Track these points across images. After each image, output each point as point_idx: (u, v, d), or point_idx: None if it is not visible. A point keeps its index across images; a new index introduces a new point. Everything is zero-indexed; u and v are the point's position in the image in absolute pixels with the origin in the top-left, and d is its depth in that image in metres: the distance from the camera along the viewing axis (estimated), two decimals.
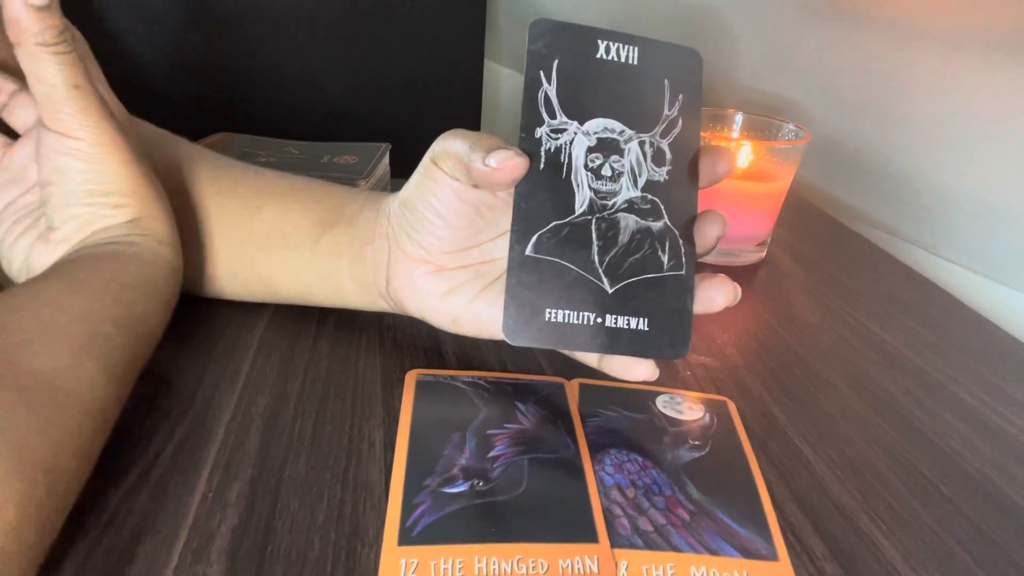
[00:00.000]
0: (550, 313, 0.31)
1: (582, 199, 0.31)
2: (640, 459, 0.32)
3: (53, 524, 0.24)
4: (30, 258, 0.34)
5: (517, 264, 0.30)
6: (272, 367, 0.37)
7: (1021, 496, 0.33)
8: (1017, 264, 0.57)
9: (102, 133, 0.33)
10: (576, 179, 0.31)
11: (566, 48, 0.32)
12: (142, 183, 0.35)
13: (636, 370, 0.33)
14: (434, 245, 0.33)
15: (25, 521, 0.22)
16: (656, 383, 0.35)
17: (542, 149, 0.31)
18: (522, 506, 0.29)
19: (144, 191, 0.35)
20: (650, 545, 0.28)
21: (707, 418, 0.36)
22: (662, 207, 0.32)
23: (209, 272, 0.41)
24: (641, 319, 0.31)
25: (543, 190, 0.31)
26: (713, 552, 0.28)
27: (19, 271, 0.35)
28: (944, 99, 0.62)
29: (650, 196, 0.32)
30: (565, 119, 0.31)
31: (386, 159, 0.64)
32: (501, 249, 0.33)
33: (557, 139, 0.31)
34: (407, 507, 0.28)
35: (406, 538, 0.27)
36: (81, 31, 0.35)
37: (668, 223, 0.32)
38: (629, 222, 0.32)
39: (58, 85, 0.31)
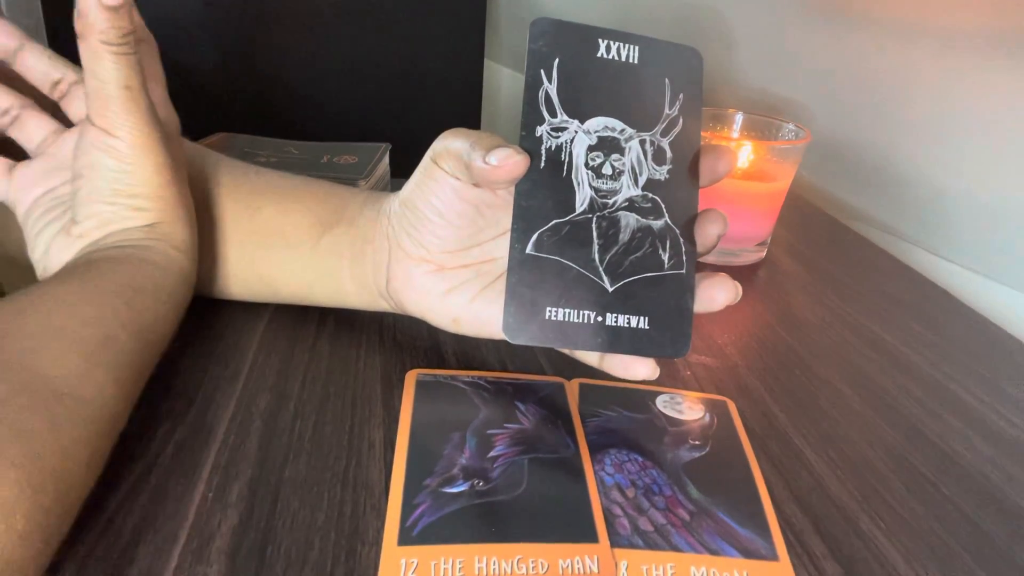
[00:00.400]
0: (550, 312, 0.31)
1: (583, 197, 0.31)
2: (640, 459, 0.32)
3: (59, 531, 0.24)
4: (50, 248, 0.35)
5: (517, 263, 0.30)
6: (272, 367, 0.37)
7: (1021, 496, 0.33)
8: (1017, 264, 0.57)
9: (141, 136, 0.33)
10: (577, 177, 0.31)
11: (567, 47, 0.32)
12: (169, 190, 0.35)
13: (637, 369, 0.33)
14: (435, 244, 0.33)
15: (34, 529, 0.22)
16: (656, 383, 0.35)
17: (542, 148, 0.31)
18: (522, 506, 0.29)
19: (170, 198, 0.35)
20: (650, 545, 0.28)
21: (707, 418, 0.36)
22: (663, 206, 0.32)
23: (209, 272, 0.40)
24: (642, 318, 0.31)
25: (543, 188, 0.31)
26: (713, 552, 0.28)
27: (39, 260, 0.35)
28: (944, 99, 0.62)
29: (651, 195, 0.32)
30: (566, 117, 0.31)
31: (386, 159, 0.64)
32: (502, 248, 0.33)
33: (558, 137, 0.31)
34: (407, 507, 0.28)
35: (406, 538, 0.27)
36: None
37: (669, 222, 0.32)
38: (630, 221, 0.32)
39: (110, 83, 0.32)
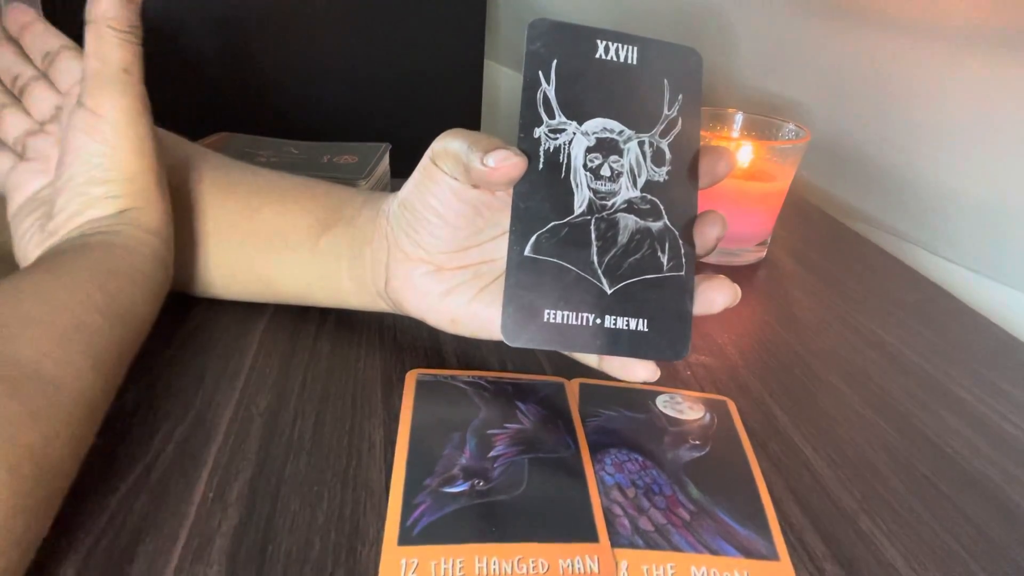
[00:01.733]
0: (549, 314, 0.30)
1: (581, 199, 0.31)
2: (640, 459, 0.32)
3: (44, 516, 0.24)
4: (28, 245, 0.35)
5: (516, 265, 0.30)
6: (272, 367, 0.38)
7: (1021, 496, 0.33)
8: (1017, 264, 0.57)
9: (127, 119, 0.34)
10: (575, 179, 0.31)
11: (565, 48, 0.32)
12: (145, 176, 0.35)
13: (636, 370, 0.33)
14: (433, 245, 0.33)
15: (12, 513, 0.22)
16: (656, 383, 0.35)
17: (541, 149, 0.31)
18: (522, 506, 0.29)
19: (144, 183, 0.35)
20: (650, 545, 0.28)
21: (707, 418, 0.36)
22: (662, 207, 0.32)
23: (209, 273, 0.41)
24: (641, 320, 0.31)
25: (542, 190, 0.31)
26: (713, 552, 0.28)
27: (21, 260, 0.36)
28: (944, 99, 0.62)
29: (649, 196, 0.32)
30: (564, 119, 0.31)
31: (386, 159, 0.64)
32: (500, 249, 0.33)
33: (556, 139, 0.31)
34: (407, 507, 0.28)
35: (406, 538, 0.27)
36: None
37: (668, 223, 0.32)
38: (628, 222, 0.32)
39: (111, 63, 0.33)
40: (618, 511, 0.29)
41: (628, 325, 0.31)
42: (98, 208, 0.34)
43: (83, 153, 0.34)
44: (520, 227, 0.31)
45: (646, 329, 0.31)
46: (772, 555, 0.28)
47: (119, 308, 0.31)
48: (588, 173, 0.31)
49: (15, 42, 0.39)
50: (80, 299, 0.30)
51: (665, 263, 0.32)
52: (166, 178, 0.37)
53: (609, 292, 0.31)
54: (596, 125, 0.32)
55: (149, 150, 0.35)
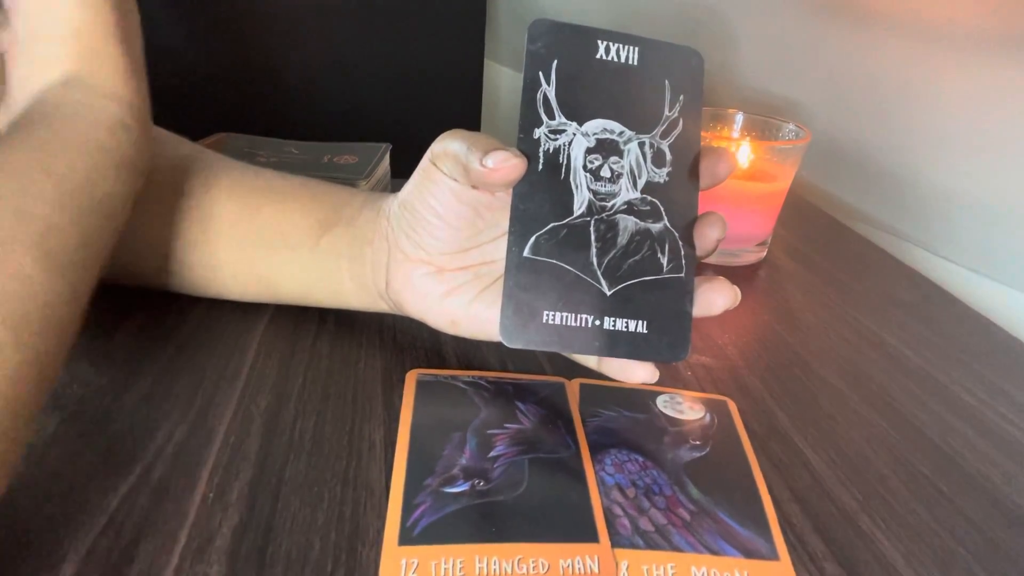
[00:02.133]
0: (548, 315, 0.30)
1: (581, 200, 0.31)
2: (640, 459, 0.33)
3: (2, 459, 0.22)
4: None
5: (514, 266, 0.30)
6: (272, 367, 0.38)
7: (1021, 496, 0.33)
8: (1017, 264, 0.57)
9: None
10: (575, 180, 0.31)
11: (565, 48, 0.31)
12: (93, 29, 0.31)
13: (635, 372, 0.33)
14: (433, 246, 0.33)
15: None
16: (656, 383, 0.35)
17: (540, 150, 0.31)
18: (522, 506, 0.29)
19: (94, 38, 0.31)
20: (651, 545, 0.28)
21: (707, 418, 0.36)
22: (662, 209, 0.32)
23: (209, 273, 0.40)
24: (640, 321, 0.31)
25: (541, 191, 0.31)
26: (714, 552, 0.28)
27: None
28: (944, 99, 0.62)
29: (650, 198, 0.32)
30: (564, 120, 0.31)
31: (386, 159, 0.64)
32: (501, 250, 0.33)
33: (556, 140, 0.31)
34: (407, 507, 0.28)
35: (406, 538, 0.27)
36: None
37: (668, 225, 0.32)
38: (628, 224, 0.32)
39: None
40: (618, 511, 0.29)
41: (627, 327, 0.31)
42: (43, 71, 0.30)
43: (23, 15, 0.30)
44: (519, 228, 0.30)
45: (645, 331, 0.31)
46: (772, 555, 0.28)
47: (72, 191, 0.27)
48: (588, 174, 0.31)
49: None
50: (22, 186, 0.25)
51: (665, 264, 0.32)
52: (132, 34, 0.33)
53: (608, 293, 0.31)
54: (596, 126, 0.32)
55: (97, 5, 0.30)
